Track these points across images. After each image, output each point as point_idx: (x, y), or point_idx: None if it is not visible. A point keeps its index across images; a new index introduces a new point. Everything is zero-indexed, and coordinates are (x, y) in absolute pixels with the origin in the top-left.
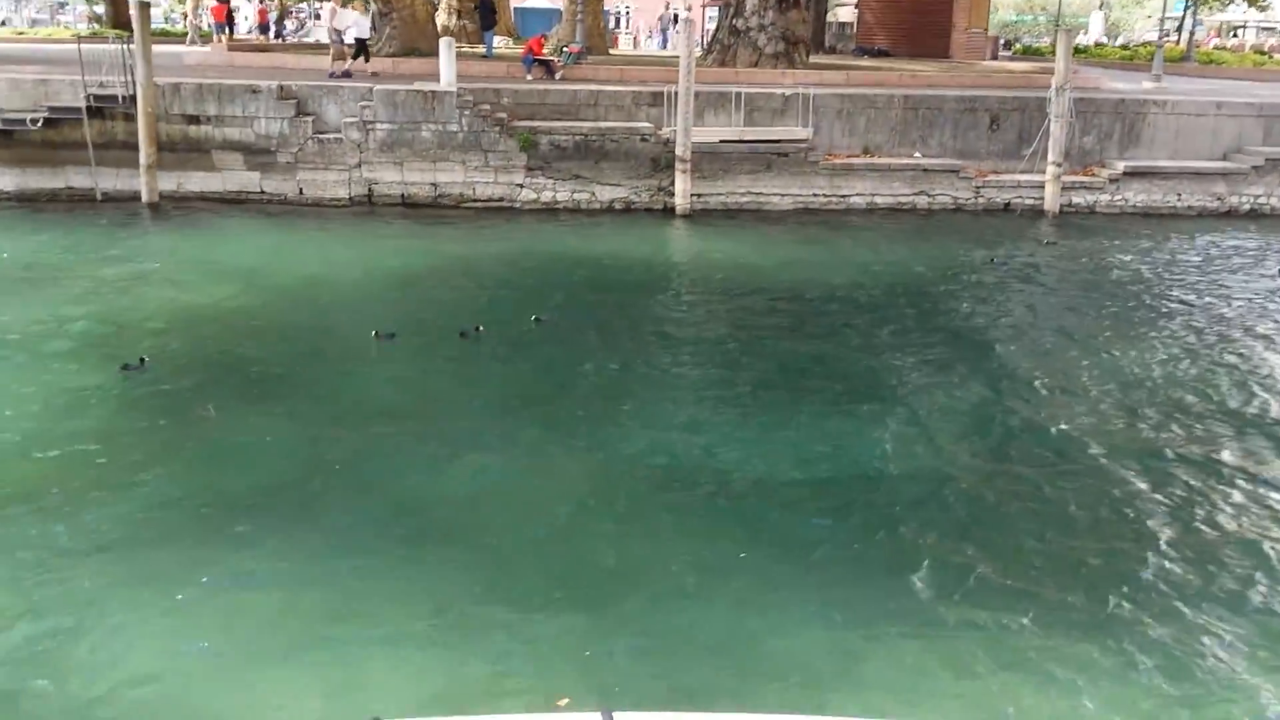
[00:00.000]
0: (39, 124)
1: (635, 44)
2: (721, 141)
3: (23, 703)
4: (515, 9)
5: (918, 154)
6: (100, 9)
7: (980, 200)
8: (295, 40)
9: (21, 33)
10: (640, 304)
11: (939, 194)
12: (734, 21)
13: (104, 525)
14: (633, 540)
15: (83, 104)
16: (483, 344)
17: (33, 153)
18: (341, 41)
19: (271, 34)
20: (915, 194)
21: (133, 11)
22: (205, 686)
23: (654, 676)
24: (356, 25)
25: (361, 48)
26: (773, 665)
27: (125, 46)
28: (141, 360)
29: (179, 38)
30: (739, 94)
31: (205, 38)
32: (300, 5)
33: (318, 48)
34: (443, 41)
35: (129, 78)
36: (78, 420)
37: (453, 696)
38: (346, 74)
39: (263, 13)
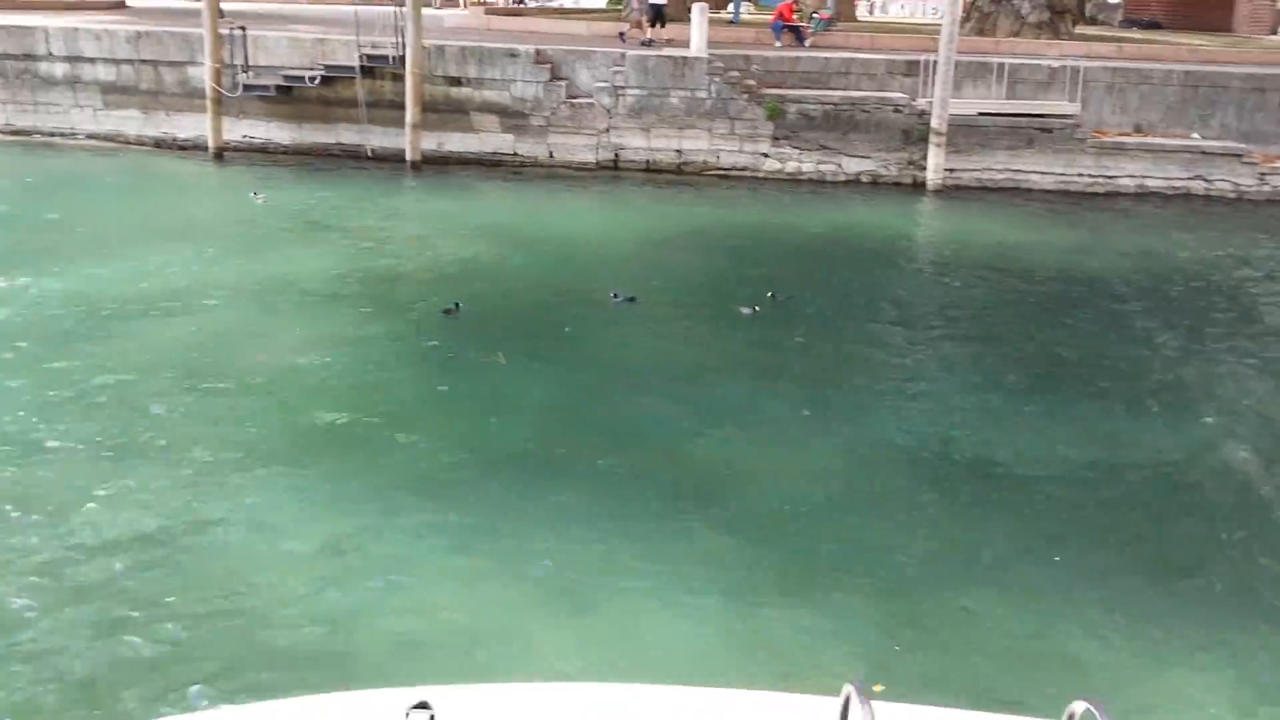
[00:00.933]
0: (316, 82)
1: (870, 10)
2: (980, 114)
3: (338, 635)
4: None
5: (1195, 135)
6: None
7: (1265, 188)
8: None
9: None
10: (887, 281)
11: (1218, 179)
12: None
13: (399, 466)
14: (895, 524)
15: (357, 64)
16: (720, 312)
17: (309, 109)
18: (642, 10)
19: None
20: (1191, 178)
21: None
22: (477, 635)
23: (932, 667)
24: None
25: (658, 14)
26: (1058, 665)
27: (398, 9)
28: (456, 305)
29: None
30: (1000, 65)
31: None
32: None
33: (569, 12)
34: (695, 7)
35: (400, 39)
36: (375, 364)
37: (727, 667)
38: (648, 42)
39: None
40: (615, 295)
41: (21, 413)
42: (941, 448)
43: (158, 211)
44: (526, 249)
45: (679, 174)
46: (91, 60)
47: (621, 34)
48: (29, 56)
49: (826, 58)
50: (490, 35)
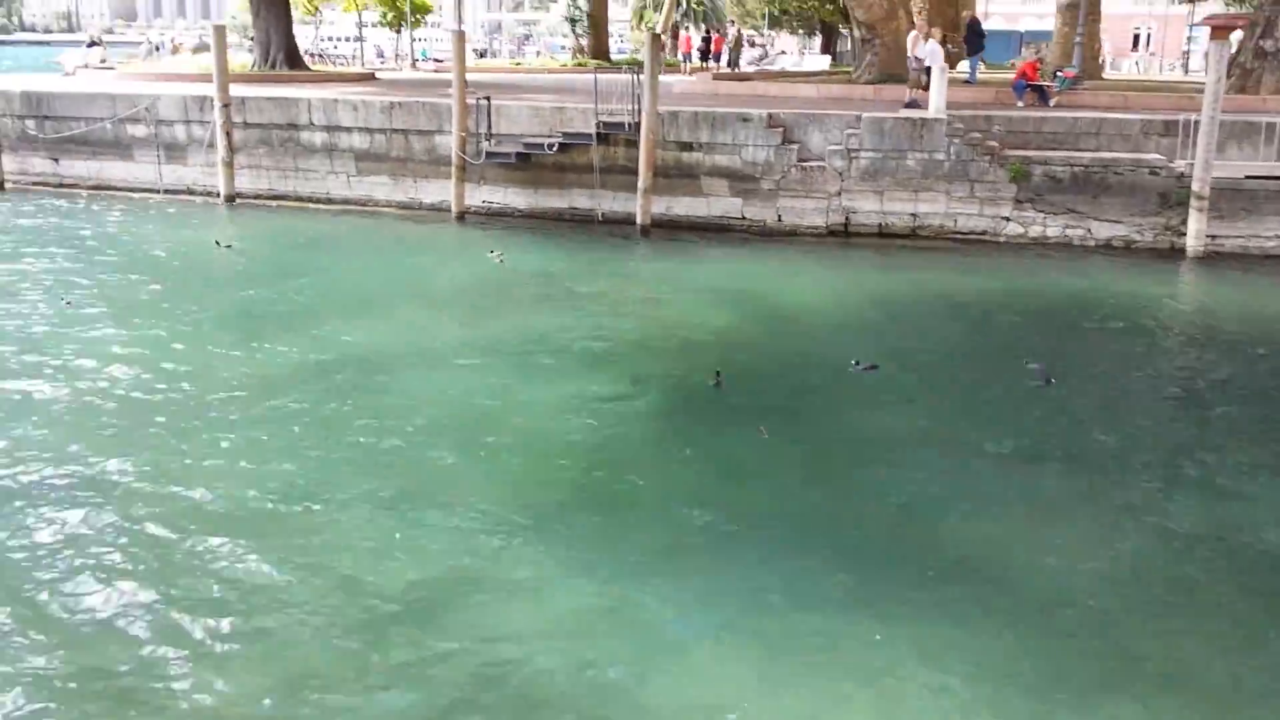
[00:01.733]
0: (554, 148)
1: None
2: (1247, 177)
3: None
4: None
5: None
6: (584, 41)
7: None
8: (759, 68)
9: (518, 64)
10: (1153, 353)
11: None
12: (1260, 43)
13: (653, 530)
14: (1192, 628)
15: (593, 130)
16: (969, 383)
17: (545, 174)
18: (920, 70)
19: (724, 62)
20: None
21: (644, 42)
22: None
23: None
24: (932, 55)
25: (929, 75)
26: None
27: (635, 76)
28: (718, 375)
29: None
30: (1270, 124)
31: (671, 66)
32: (756, 33)
33: (796, 75)
34: (935, 68)
35: (635, 106)
36: (625, 428)
37: None
38: (914, 104)
39: (718, 41)
40: (856, 363)
41: (288, 465)
42: (1238, 541)
43: (407, 272)
44: (761, 314)
45: (913, 238)
46: (348, 129)
47: (912, 102)
48: (293, 126)
49: (1075, 118)
50: (718, 100)
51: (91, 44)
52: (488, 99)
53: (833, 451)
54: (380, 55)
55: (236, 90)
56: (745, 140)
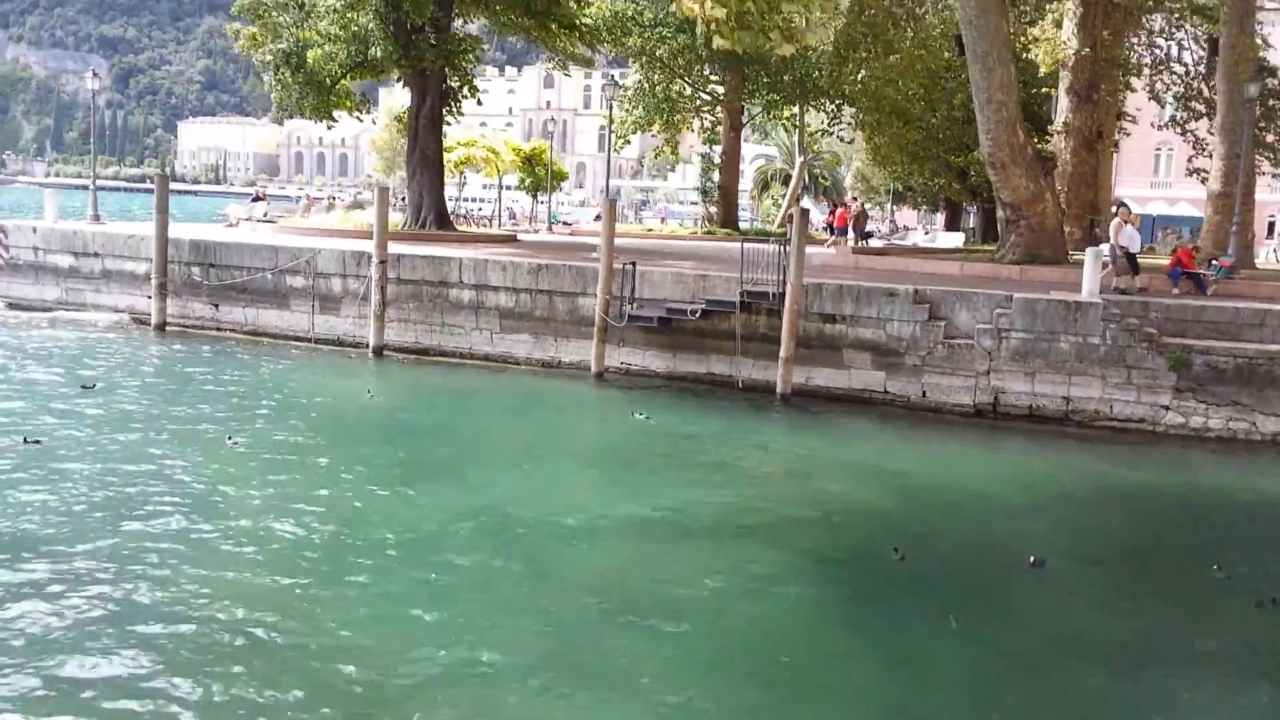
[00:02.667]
0: (696, 315)
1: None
2: None
3: None
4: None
5: None
6: (714, 210)
7: None
8: (888, 243)
9: (649, 230)
10: None
11: None
12: None
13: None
14: None
15: (737, 299)
16: (1147, 588)
17: (684, 339)
18: (1123, 258)
19: (851, 237)
20: None
21: (793, 214)
22: None
23: None
24: (1131, 239)
25: (1132, 261)
26: None
27: (781, 247)
28: (896, 550)
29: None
30: None
31: (812, 239)
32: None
33: (938, 252)
34: (1089, 252)
35: (780, 276)
36: (786, 606)
37: None
38: (1121, 290)
39: (841, 216)
40: (1032, 561)
41: (441, 622)
42: None
43: (550, 429)
44: (914, 494)
45: (1066, 422)
46: (495, 288)
47: (1119, 289)
48: (443, 283)
49: (1236, 308)
50: (859, 273)
51: (256, 199)
52: (633, 264)
53: (1008, 650)
54: (512, 217)
55: (391, 247)
56: (890, 315)
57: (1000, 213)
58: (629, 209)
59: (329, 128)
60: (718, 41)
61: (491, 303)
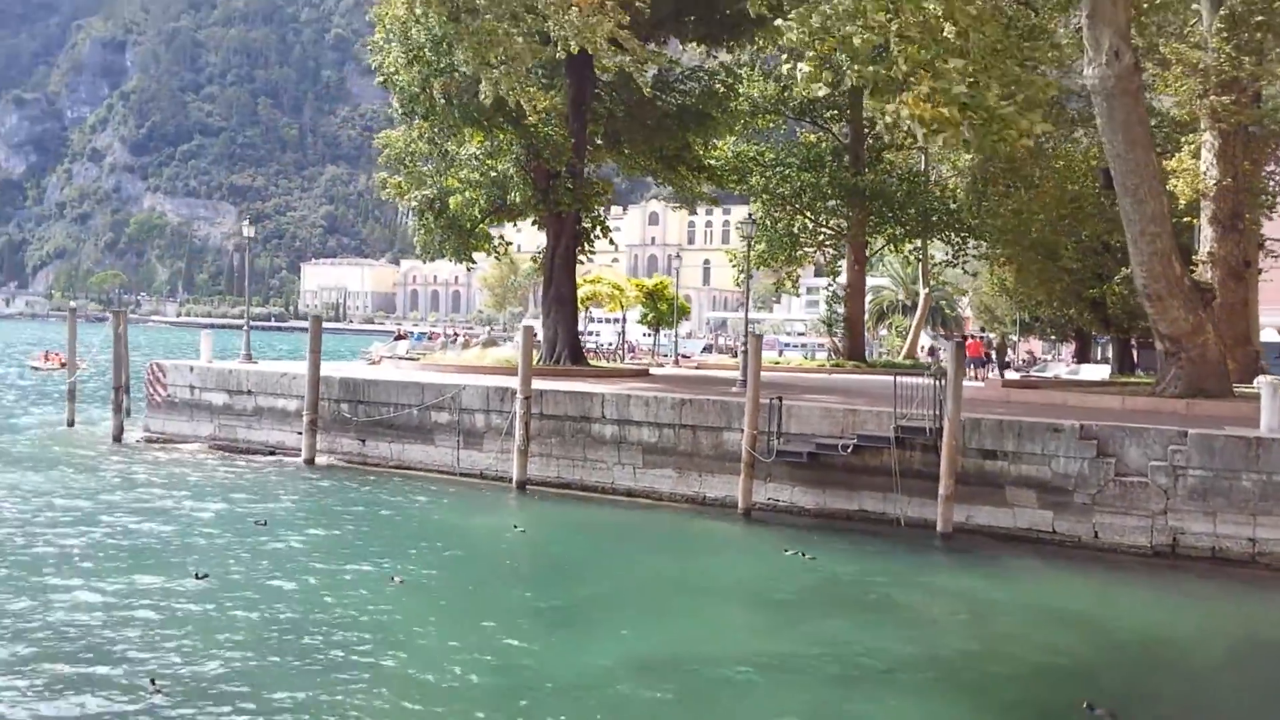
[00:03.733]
0: (848, 450)
1: None
2: None
3: None
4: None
5: None
6: (840, 343)
7: None
8: (1027, 376)
9: (776, 362)
10: None
11: None
12: None
13: None
14: None
15: (891, 434)
16: None
17: (834, 475)
18: None
19: (993, 369)
20: None
21: (935, 348)
22: None
23: None
24: None
25: None
26: None
27: (938, 382)
28: (1092, 710)
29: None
30: None
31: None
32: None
33: (1092, 385)
34: (1264, 384)
35: (937, 411)
36: None
37: None
38: None
39: (974, 346)
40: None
41: None
42: None
43: (702, 567)
44: (1092, 642)
45: (1253, 565)
46: (638, 423)
47: None
48: (585, 418)
49: None
50: (1011, 407)
51: (398, 337)
52: (779, 399)
53: None
54: (631, 349)
55: (533, 383)
56: (1055, 451)
57: (1159, 345)
58: (736, 341)
59: (469, 269)
60: (939, 142)
61: (634, 437)
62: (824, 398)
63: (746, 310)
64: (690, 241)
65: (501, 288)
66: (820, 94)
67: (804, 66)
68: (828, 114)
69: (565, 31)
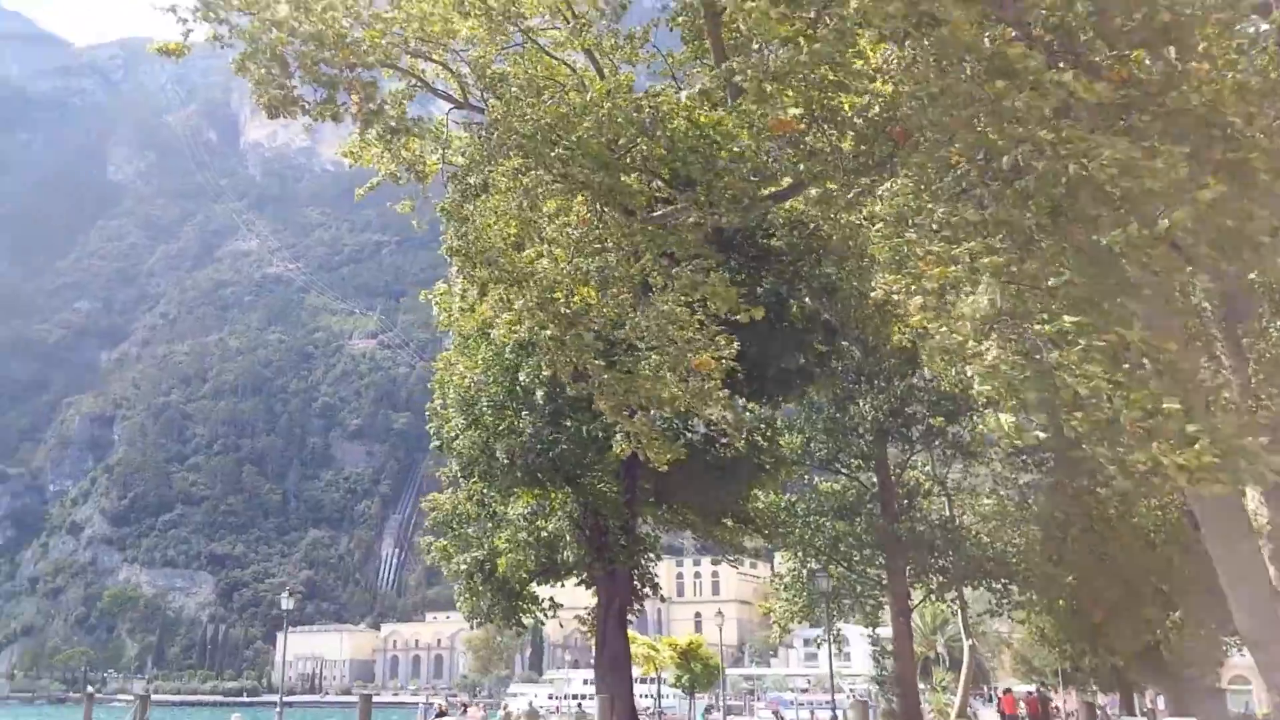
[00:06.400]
0: None
1: None
2: None
3: None
4: None
5: None
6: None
7: None
8: None
9: None
10: None
11: None
12: None
13: None
14: None
15: None
16: None
17: None
18: None
19: None
20: None
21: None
22: None
23: None
24: None
25: None
26: None
27: None
28: None
29: None
30: None
31: None
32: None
33: None
34: None
35: None
36: None
37: None
38: None
39: (1032, 702)
40: None
41: None
42: None
43: None
44: None
45: None
46: None
47: None
48: None
49: None
50: None
51: (440, 714)
52: None
53: None
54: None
55: None
56: None
57: (1265, 695)
58: (737, 699)
59: (517, 635)
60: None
61: None
62: None
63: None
64: (680, 593)
65: (487, 649)
66: (1032, 441)
67: (1006, 417)
68: (854, 462)
69: (679, 394)
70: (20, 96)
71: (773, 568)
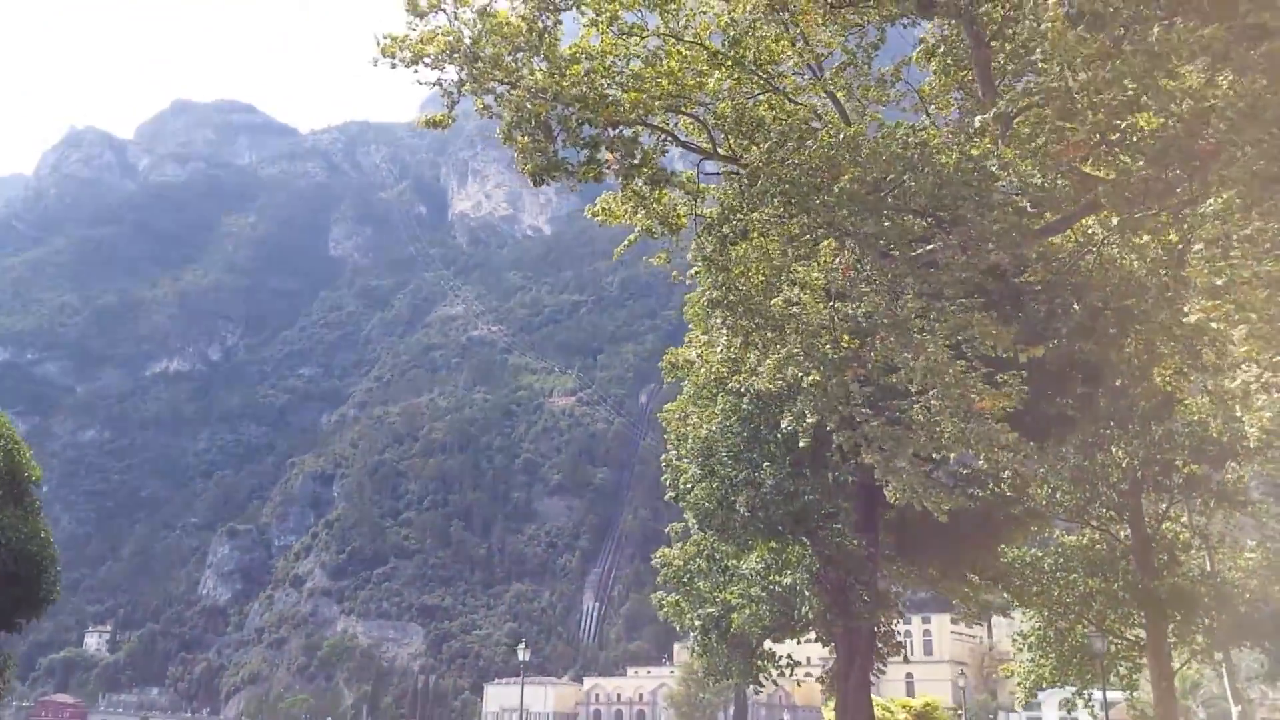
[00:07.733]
0: None
1: None
2: None
3: None
4: None
5: None
6: None
7: None
8: None
9: None
10: None
11: None
12: None
13: None
14: None
15: None
16: None
17: None
18: None
19: None
20: None
21: None
22: None
23: None
24: None
25: None
26: None
27: None
28: None
29: None
30: None
31: None
32: None
33: None
34: None
35: None
36: None
37: None
38: None
39: None
40: None
41: None
42: None
43: None
44: None
45: None
46: None
47: None
48: None
49: None
50: None
51: None
52: None
53: None
54: None
55: None
56: None
57: None
58: None
59: (755, 693)
60: None
61: None
62: None
63: None
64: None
65: (689, 706)
66: None
67: None
68: (1105, 513)
69: (969, 439)
70: (252, 180)
71: (989, 629)
